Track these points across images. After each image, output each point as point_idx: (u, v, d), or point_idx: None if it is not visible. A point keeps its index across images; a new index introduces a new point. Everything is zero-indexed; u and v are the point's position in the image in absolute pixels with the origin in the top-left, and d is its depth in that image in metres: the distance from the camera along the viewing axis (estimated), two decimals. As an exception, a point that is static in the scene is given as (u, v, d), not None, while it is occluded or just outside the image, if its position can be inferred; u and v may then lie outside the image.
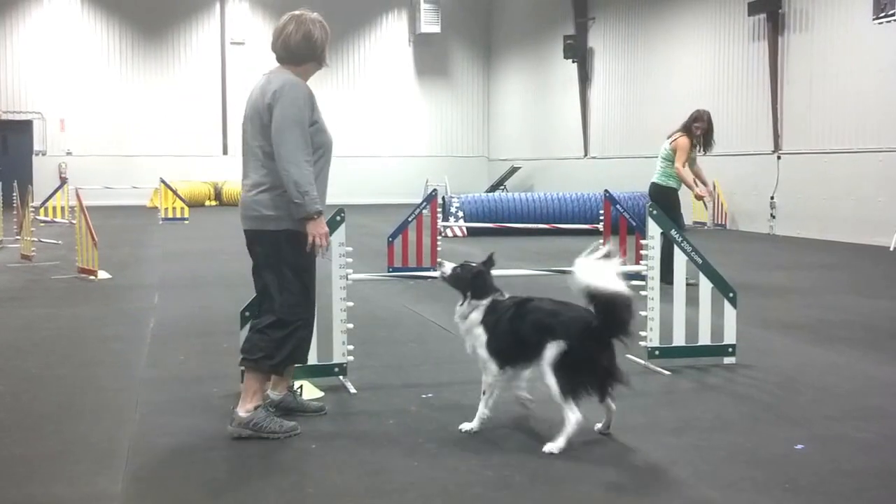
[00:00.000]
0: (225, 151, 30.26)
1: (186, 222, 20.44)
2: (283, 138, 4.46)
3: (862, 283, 10.74)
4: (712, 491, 3.83)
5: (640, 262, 6.51)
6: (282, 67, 4.72)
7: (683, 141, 10.26)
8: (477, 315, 4.62)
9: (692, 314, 6.01)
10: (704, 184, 10.60)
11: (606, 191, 10.60)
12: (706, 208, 19.74)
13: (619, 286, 4.30)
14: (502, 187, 28.36)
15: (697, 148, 10.45)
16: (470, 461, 4.17)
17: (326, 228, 4.61)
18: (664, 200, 9.98)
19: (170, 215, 21.21)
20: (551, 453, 4.21)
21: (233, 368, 5.51)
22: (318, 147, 4.66)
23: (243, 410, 4.50)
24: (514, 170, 28.80)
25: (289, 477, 4.00)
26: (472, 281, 4.69)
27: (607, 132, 25.26)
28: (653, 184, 10.41)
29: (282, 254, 4.57)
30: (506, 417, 4.92)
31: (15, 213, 15.89)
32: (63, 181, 23.42)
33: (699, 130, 10.34)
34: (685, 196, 20.59)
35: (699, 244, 6.24)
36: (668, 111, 22.07)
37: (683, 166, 10.20)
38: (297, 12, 4.76)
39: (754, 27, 18.80)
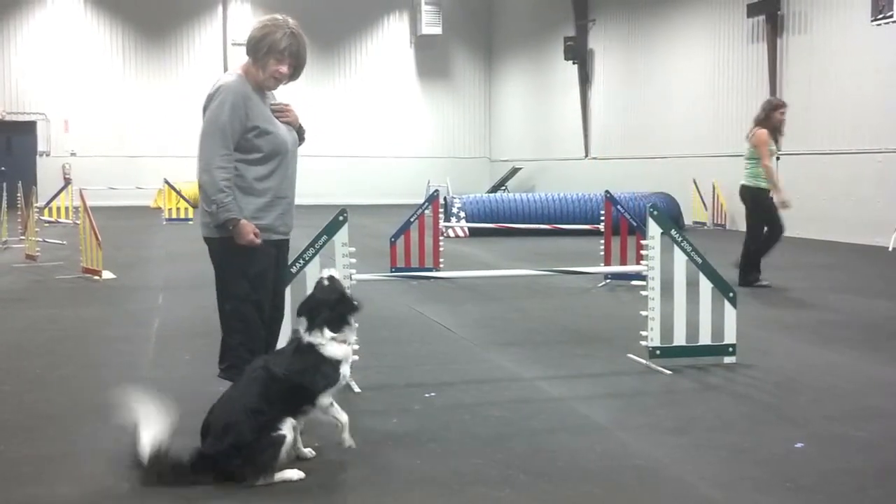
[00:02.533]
0: (227, 152, 30.34)
1: (190, 223, 20.46)
2: (201, 144, 4.40)
3: (861, 284, 10.78)
4: (713, 490, 3.86)
5: (641, 262, 6.54)
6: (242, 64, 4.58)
7: (761, 134, 9.81)
8: None
9: (692, 314, 6.05)
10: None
11: (607, 191, 10.62)
12: (705, 209, 19.78)
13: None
14: (504, 188, 28.40)
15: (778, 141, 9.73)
16: (473, 460, 4.21)
17: (250, 235, 4.40)
18: (755, 203, 9.80)
19: (174, 216, 21.28)
20: None
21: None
22: (260, 152, 4.46)
23: None
24: (515, 170, 28.83)
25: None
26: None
27: (608, 133, 25.30)
28: (742, 186, 10.30)
29: (218, 262, 4.56)
30: (508, 417, 4.97)
31: (19, 213, 15.92)
32: (67, 182, 23.46)
33: (782, 115, 9.78)
34: (686, 197, 20.68)
35: (699, 244, 6.27)
36: (668, 112, 22.17)
37: (770, 160, 9.65)
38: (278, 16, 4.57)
39: (753, 29, 18.83)
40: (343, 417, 4.10)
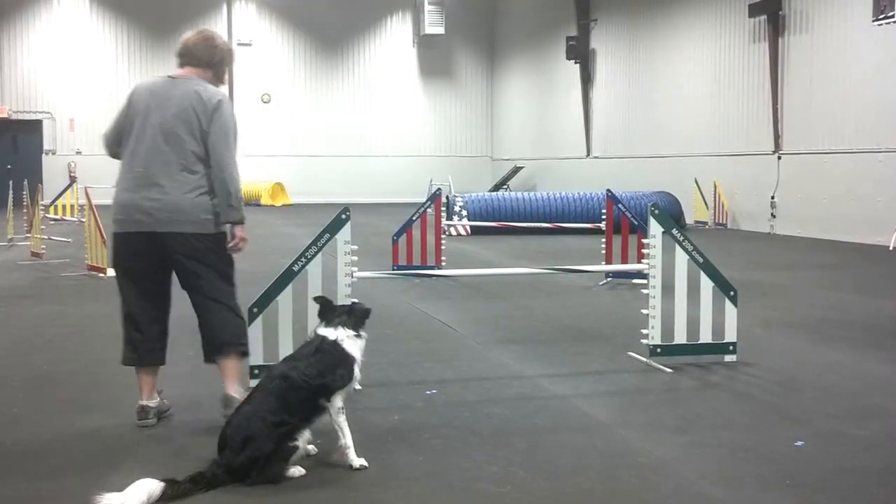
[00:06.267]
0: (231, 150, 30.44)
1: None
2: (227, 147, 4.65)
3: (862, 283, 10.79)
4: (714, 488, 3.88)
5: (642, 260, 6.57)
6: (191, 73, 4.85)
7: None
8: None
9: (693, 312, 6.07)
10: None
11: (609, 190, 10.63)
12: (707, 209, 19.82)
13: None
14: (505, 187, 28.42)
15: None
16: (474, 457, 4.23)
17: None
18: None
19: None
20: None
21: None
22: None
23: (239, 393, 4.70)
24: (517, 169, 28.85)
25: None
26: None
27: (609, 132, 25.32)
28: None
29: (221, 253, 4.81)
30: (510, 414, 4.99)
31: (25, 211, 16.01)
32: (72, 180, 23.54)
33: None
34: (688, 196, 20.73)
35: (700, 243, 6.30)
36: (669, 111, 22.19)
37: None
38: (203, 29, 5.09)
39: (755, 29, 18.85)
40: (347, 437, 4.08)
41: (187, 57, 4.84)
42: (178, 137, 4.62)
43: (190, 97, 4.65)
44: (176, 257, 4.70)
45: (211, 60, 4.84)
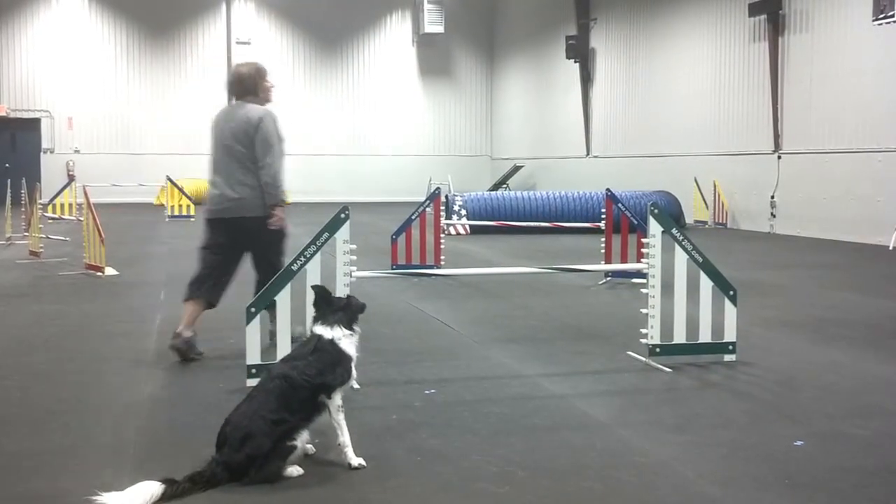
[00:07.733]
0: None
1: (192, 220, 20.49)
2: (266, 151, 6.22)
3: (861, 282, 10.78)
4: (713, 487, 3.87)
5: (642, 260, 6.55)
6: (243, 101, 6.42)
7: None
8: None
9: (693, 312, 6.06)
10: None
11: (608, 189, 10.63)
12: (707, 208, 19.82)
13: None
14: (505, 186, 28.42)
15: None
16: (473, 457, 4.23)
17: None
18: None
19: (176, 213, 21.35)
20: None
21: (240, 364, 5.58)
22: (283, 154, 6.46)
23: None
24: (516, 168, 28.86)
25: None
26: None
27: (609, 131, 25.32)
28: None
29: (274, 230, 6.36)
30: (508, 414, 4.99)
31: (23, 210, 16.00)
32: (71, 178, 23.59)
33: None
34: (688, 196, 20.71)
35: (700, 243, 6.29)
36: (669, 111, 22.19)
37: None
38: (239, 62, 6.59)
39: (755, 28, 18.84)
40: (346, 435, 4.09)
41: (234, 91, 6.45)
42: (233, 149, 6.25)
43: (242, 118, 6.26)
44: (240, 232, 6.26)
45: (248, 90, 6.42)
